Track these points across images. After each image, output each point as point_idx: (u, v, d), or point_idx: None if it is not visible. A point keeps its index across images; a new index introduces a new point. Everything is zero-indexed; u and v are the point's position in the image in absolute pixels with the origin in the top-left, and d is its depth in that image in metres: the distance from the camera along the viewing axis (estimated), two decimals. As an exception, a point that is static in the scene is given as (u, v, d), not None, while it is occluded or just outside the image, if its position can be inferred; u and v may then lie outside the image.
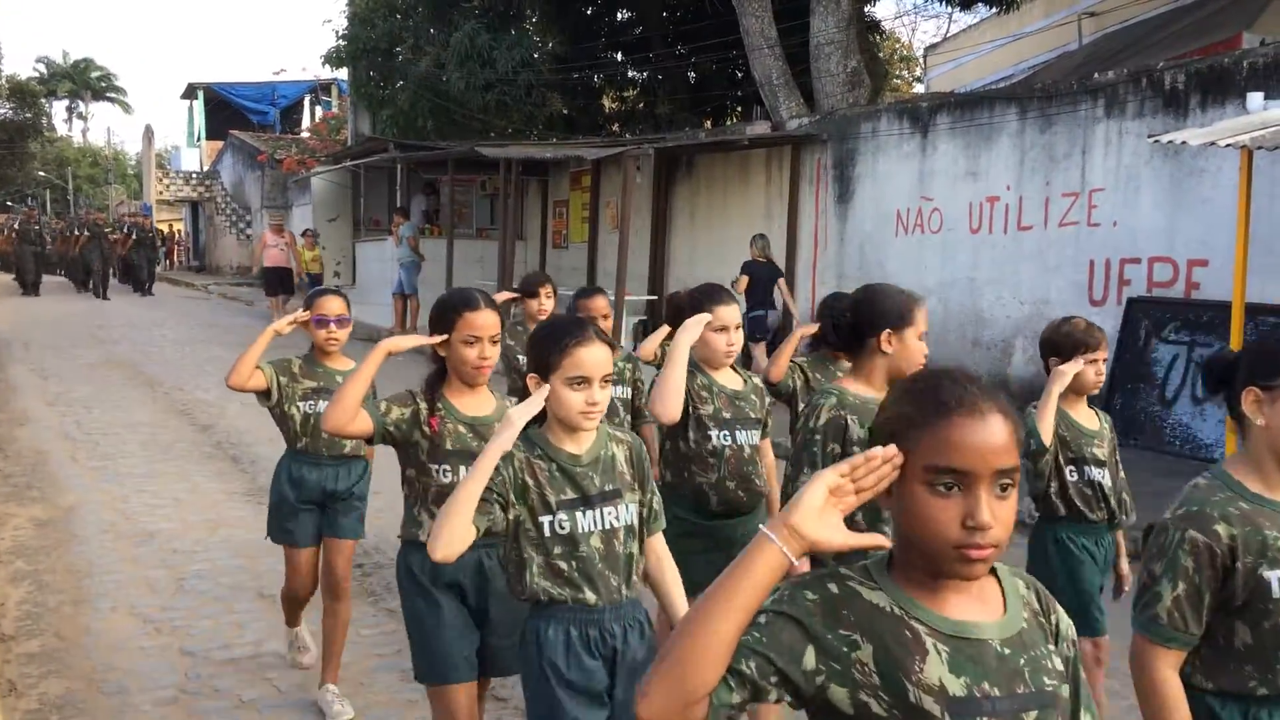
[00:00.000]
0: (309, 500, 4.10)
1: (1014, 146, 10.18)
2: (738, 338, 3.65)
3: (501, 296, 4.72)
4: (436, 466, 2.97)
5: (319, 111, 33.59)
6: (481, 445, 2.63)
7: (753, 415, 3.66)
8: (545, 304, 4.97)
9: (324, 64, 21.25)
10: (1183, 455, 8.09)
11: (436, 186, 19.17)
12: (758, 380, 3.81)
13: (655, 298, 14.77)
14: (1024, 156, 10.07)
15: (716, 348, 3.58)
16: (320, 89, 33.59)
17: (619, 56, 20.09)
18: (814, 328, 4.20)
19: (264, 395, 4.00)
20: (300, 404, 4.03)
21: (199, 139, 35.99)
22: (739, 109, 19.58)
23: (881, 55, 19.75)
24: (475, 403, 3.02)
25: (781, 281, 11.77)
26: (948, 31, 19.83)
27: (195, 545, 6.11)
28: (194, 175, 33.86)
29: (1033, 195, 9.96)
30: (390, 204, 18.76)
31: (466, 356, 2.92)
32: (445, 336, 2.94)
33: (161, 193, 33.42)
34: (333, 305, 4.05)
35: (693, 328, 3.37)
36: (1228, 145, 5.88)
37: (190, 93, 35.96)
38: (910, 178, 11.34)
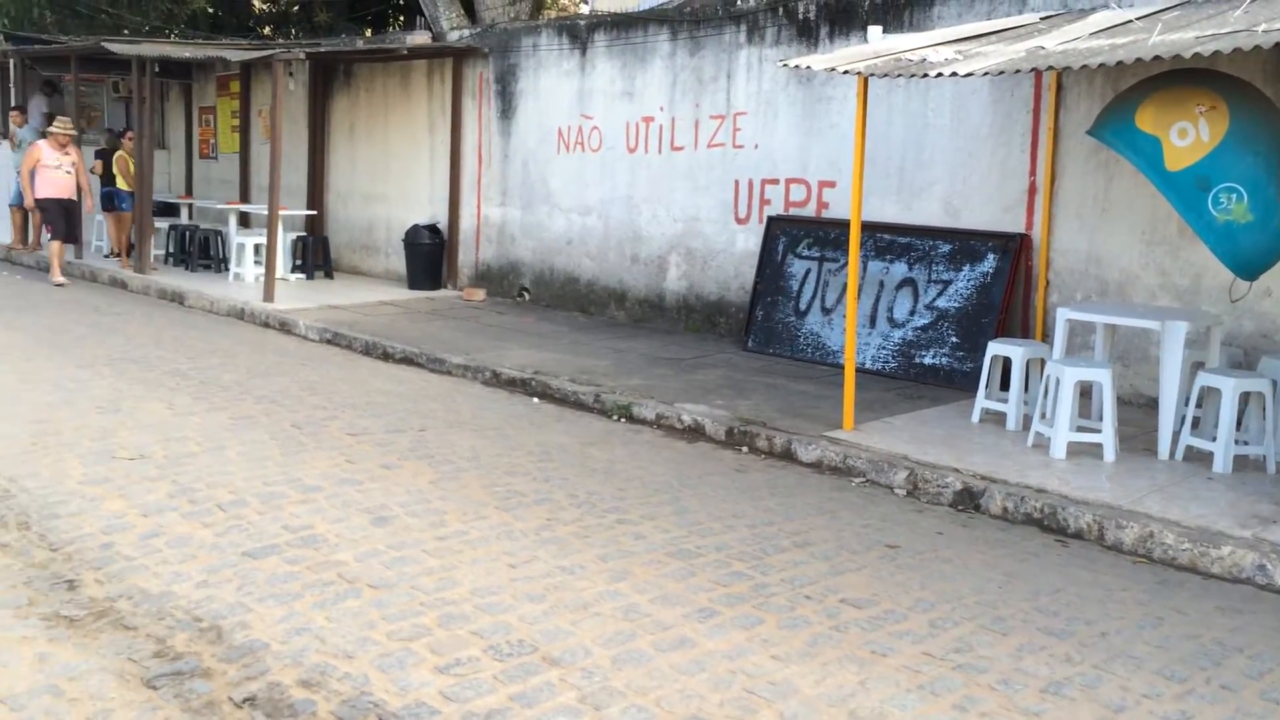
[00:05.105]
0: None
1: (666, 69, 10.53)
2: None
3: None
4: None
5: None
6: None
7: None
8: None
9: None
10: (814, 361, 8.86)
11: (57, 85, 17.14)
12: None
13: (315, 213, 14.14)
14: (676, 79, 10.45)
15: None
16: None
17: (270, -47, 18.79)
18: None
19: None
20: None
21: None
22: (400, 19, 18.93)
23: (546, -28, 19.76)
24: None
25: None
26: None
27: None
28: None
29: (684, 117, 10.38)
30: (3, 104, 16.55)
31: None
32: None
33: None
34: None
35: None
36: (845, 71, 6.39)
37: None
38: (571, 95, 11.47)
